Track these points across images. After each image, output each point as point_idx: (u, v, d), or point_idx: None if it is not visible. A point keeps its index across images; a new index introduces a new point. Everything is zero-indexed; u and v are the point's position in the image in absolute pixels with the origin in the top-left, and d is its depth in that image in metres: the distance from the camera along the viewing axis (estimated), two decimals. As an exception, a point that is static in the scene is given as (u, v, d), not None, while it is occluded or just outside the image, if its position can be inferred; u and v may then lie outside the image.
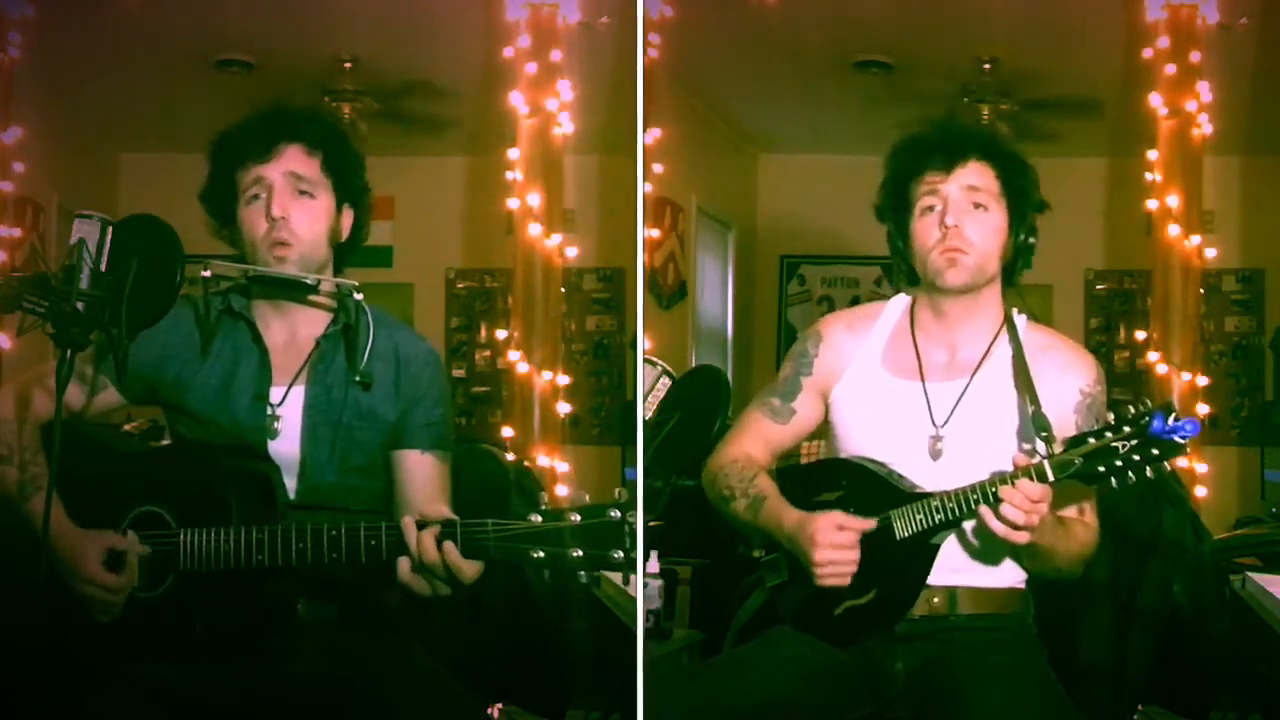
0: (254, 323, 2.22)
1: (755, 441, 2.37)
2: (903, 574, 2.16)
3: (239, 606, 2.02)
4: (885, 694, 2.19)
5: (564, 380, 5.19)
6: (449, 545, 1.90)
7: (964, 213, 2.20)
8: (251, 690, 2.04)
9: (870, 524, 2.15)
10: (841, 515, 2.15)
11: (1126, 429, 1.98)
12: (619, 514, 1.84)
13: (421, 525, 1.92)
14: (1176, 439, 1.96)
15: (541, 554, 1.85)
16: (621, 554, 1.83)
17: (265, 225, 2.16)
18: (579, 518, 1.85)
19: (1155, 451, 1.97)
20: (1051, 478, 2.02)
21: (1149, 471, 1.98)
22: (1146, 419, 1.96)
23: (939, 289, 2.25)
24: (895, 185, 2.29)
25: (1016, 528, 2.01)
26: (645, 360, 4.52)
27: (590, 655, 2.69)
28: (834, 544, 2.13)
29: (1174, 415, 1.97)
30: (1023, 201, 2.25)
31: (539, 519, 1.86)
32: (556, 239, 5.16)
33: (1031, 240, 2.26)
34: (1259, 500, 5.44)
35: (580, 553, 1.84)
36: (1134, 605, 2.36)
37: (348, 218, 2.26)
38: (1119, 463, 1.98)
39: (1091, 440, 2.01)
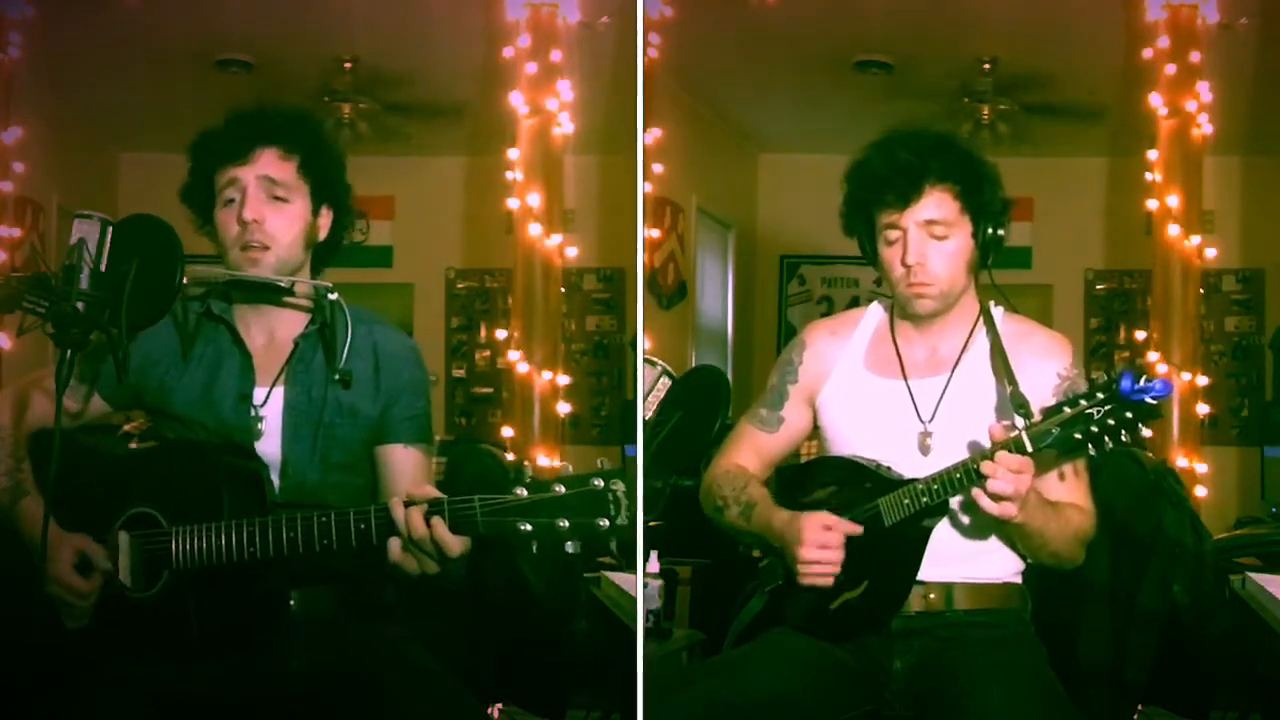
0: (234, 325, 2.23)
1: (746, 452, 2.40)
2: (895, 563, 2.18)
3: (233, 602, 2.03)
4: (885, 693, 2.19)
5: (564, 380, 5.20)
6: (436, 520, 1.91)
7: (924, 247, 2.20)
8: (250, 689, 2.04)
9: (857, 529, 2.17)
10: (829, 515, 2.18)
11: (1099, 395, 2.00)
12: (602, 482, 1.84)
13: (409, 504, 1.93)
14: (1148, 399, 1.97)
15: (529, 526, 1.85)
16: (607, 522, 1.83)
17: (237, 228, 2.17)
18: (563, 489, 1.85)
19: (1129, 414, 1.98)
20: (1030, 448, 2.03)
21: (1125, 436, 1.99)
22: (1116, 382, 1.98)
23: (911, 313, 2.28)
24: (854, 207, 2.29)
25: (1004, 499, 2.01)
26: (645, 360, 4.53)
27: (590, 655, 2.69)
28: (819, 543, 2.15)
29: (1144, 377, 1.98)
30: (986, 211, 2.23)
31: (524, 492, 1.86)
32: (556, 239, 5.17)
33: (1000, 234, 2.25)
34: (1259, 500, 5.44)
35: (566, 523, 1.84)
36: (1134, 605, 2.36)
37: (326, 218, 2.26)
38: (1094, 428, 2.00)
39: (1066, 409, 2.03)
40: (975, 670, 2.12)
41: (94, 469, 2.14)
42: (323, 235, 2.26)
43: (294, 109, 2.27)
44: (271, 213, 2.18)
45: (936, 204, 2.20)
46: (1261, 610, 2.75)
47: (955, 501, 2.16)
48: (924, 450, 2.22)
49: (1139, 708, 2.43)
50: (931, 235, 2.20)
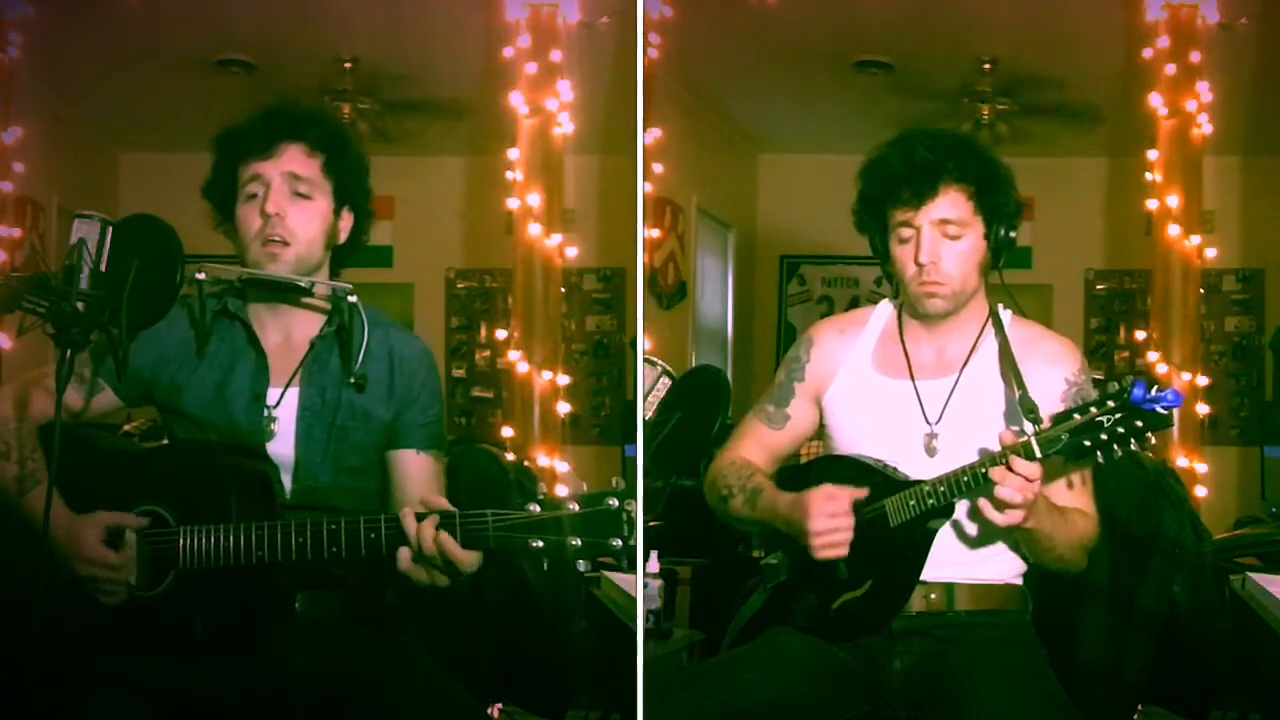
0: (250, 324, 2.22)
1: (753, 447, 2.40)
2: (899, 563, 2.17)
3: (238, 603, 2.03)
4: (884, 693, 2.19)
5: (564, 380, 5.19)
6: (444, 535, 1.90)
7: (938, 246, 2.20)
8: (252, 689, 2.04)
9: (862, 492, 2.17)
10: (832, 486, 2.17)
11: (1110, 403, 1.98)
12: (616, 502, 1.84)
13: (421, 516, 1.93)
14: (1159, 409, 1.96)
15: (540, 544, 1.85)
16: (620, 542, 1.84)
17: (259, 222, 2.17)
18: (577, 507, 1.86)
19: (1139, 423, 1.97)
20: (1039, 454, 2.02)
21: (1134, 444, 1.98)
22: (1128, 390, 1.96)
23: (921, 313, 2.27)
24: (868, 204, 2.29)
25: (1013, 506, 2.01)
26: (645, 360, 4.53)
27: (590, 655, 2.69)
28: (828, 512, 2.15)
29: (1155, 386, 1.96)
30: (1000, 213, 2.23)
31: (537, 509, 1.86)
32: (556, 239, 5.17)
33: (1012, 235, 2.25)
34: (1259, 500, 5.44)
35: (579, 542, 1.85)
36: (1134, 605, 2.36)
37: (347, 220, 2.26)
38: (1104, 436, 1.98)
39: (1076, 416, 2.01)
40: (975, 671, 2.12)
41: (103, 466, 2.15)
42: (343, 238, 2.26)
43: (319, 110, 2.28)
44: (293, 209, 2.18)
45: (951, 203, 2.20)
46: (1261, 610, 2.74)
47: (962, 505, 2.16)
48: (930, 452, 2.22)
49: (1139, 708, 2.43)
50: (945, 235, 2.20)
